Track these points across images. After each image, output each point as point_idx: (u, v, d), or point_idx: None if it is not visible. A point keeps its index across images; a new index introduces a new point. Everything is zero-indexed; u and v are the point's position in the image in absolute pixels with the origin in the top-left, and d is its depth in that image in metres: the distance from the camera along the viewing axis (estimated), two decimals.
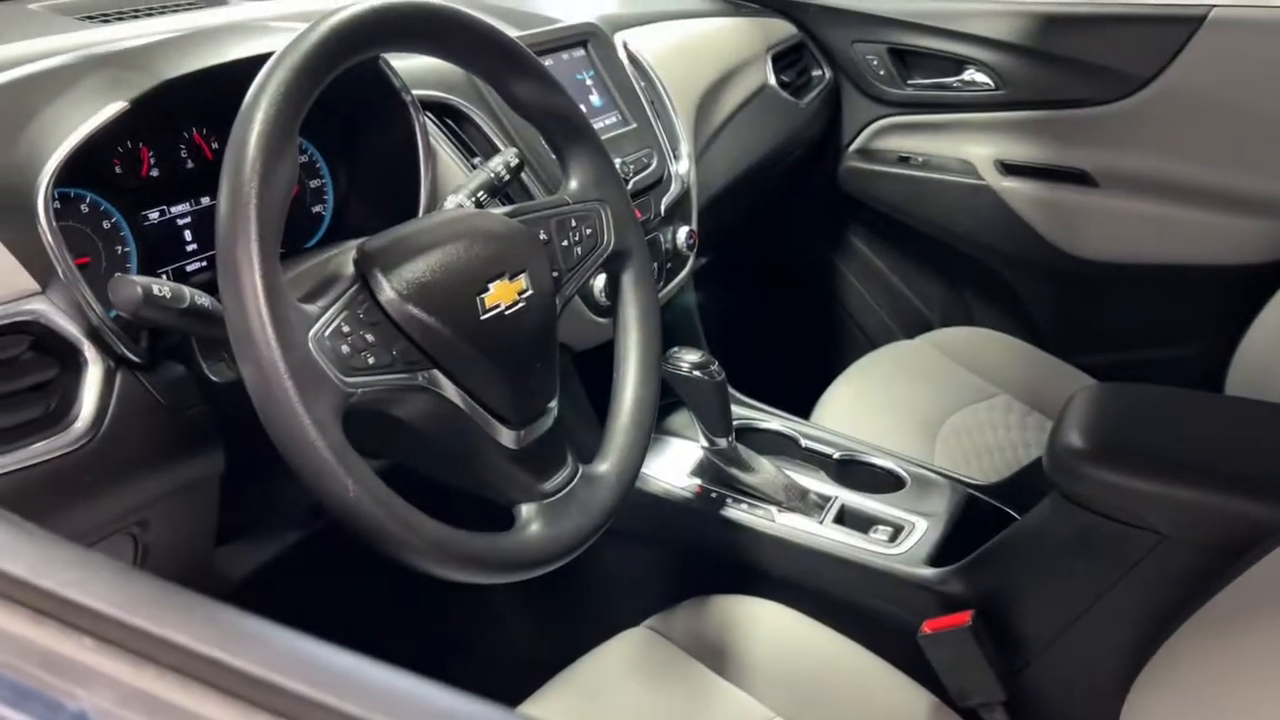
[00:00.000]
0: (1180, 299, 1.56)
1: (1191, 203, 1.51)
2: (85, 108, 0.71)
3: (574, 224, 0.85)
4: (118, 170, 0.82)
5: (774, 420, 1.24)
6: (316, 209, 0.97)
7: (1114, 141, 1.55)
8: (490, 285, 0.74)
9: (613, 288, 0.89)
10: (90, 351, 0.70)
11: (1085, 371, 1.53)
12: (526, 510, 0.76)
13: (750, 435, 1.23)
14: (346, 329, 0.66)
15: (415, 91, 0.93)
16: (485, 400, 0.73)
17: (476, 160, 1.01)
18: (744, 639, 1.01)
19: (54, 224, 0.68)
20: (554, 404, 0.79)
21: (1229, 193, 1.48)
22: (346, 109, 0.92)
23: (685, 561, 1.13)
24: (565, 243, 0.84)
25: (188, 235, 0.87)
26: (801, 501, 1.11)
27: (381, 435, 0.73)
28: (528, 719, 0.52)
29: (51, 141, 0.69)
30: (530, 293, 0.76)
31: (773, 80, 1.59)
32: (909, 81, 1.71)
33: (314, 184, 0.96)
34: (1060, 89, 1.57)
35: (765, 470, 1.12)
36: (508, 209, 0.82)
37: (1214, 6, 1.45)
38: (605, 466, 0.82)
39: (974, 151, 1.67)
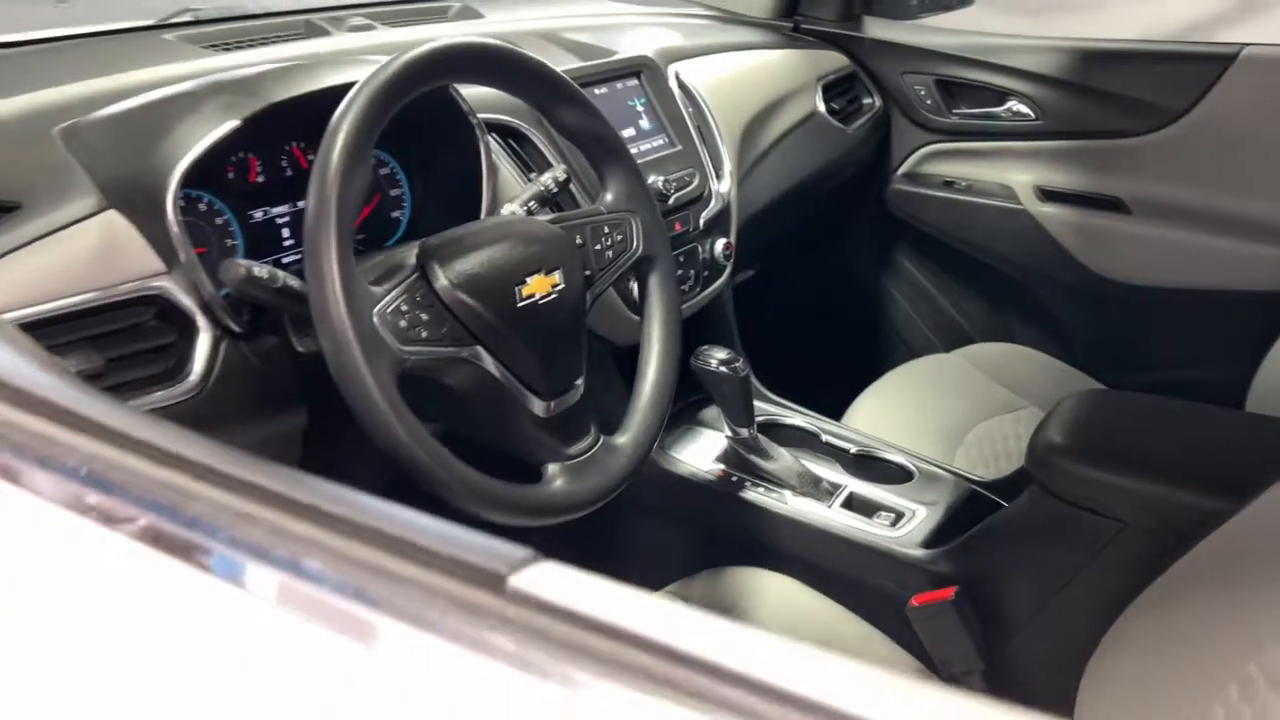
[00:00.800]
0: (1207, 321, 1.63)
1: (1220, 230, 1.58)
2: (206, 125, 0.87)
3: (607, 230, 0.99)
4: (231, 176, 0.98)
5: (798, 417, 1.36)
6: (395, 214, 1.13)
7: (1147, 171, 1.63)
8: (528, 279, 0.88)
9: (640, 288, 1.03)
10: (202, 322, 0.86)
11: (1113, 389, 1.61)
12: (552, 469, 0.90)
13: (775, 430, 1.35)
14: (405, 308, 0.81)
15: (481, 115, 1.08)
16: (519, 374, 0.88)
17: (532, 175, 1.16)
18: (753, 605, 1.13)
19: (179, 219, 0.84)
20: (580, 382, 0.93)
21: (1256, 221, 1.55)
22: (424, 130, 1.07)
23: (705, 536, 1.26)
24: (598, 246, 0.98)
25: (285, 232, 1.03)
26: (814, 488, 1.22)
27: (434, 401, 0.87)
28: None
29: (179, 152, 0.86)
30: (562, 287, 0.91)
31: (822, 107, 1.71)
32: (954, 111, 1.81)
33: (394, 193, 1.12)
34: (1097, 120, 1.66)
35: (783, 459, 1.24)
36: (551, 216, 0.97)
37: (1245, 45, 1.53)
38: (624, 439, 0.96)
39: (1014, 178, 1.77)
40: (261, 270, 0.81)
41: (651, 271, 1.02)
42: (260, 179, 1.01)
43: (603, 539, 1.10)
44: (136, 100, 0.92)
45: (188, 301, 0.86)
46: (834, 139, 1.73)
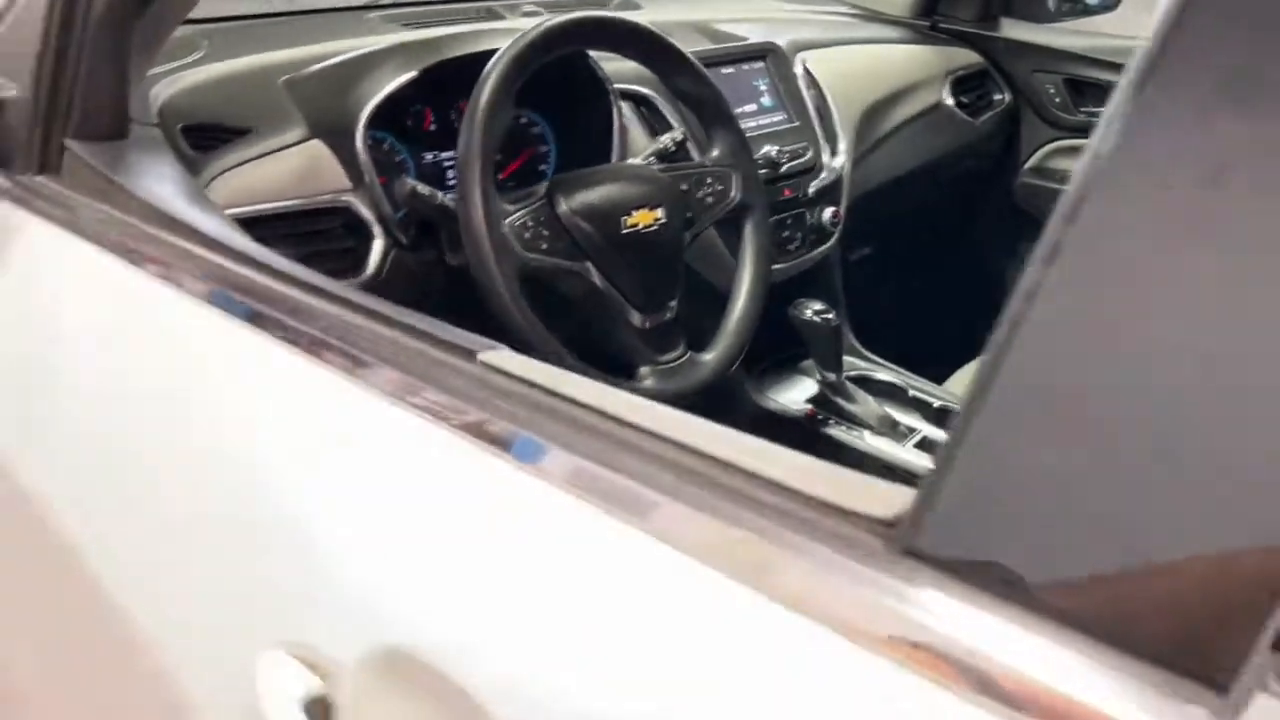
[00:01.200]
0: None
1: None
2: (391, 76, 1.11)
3: (709, 181, 1.17)
4: (409, 124, 1.22)
5: (888, 373, 1.50)
6: (542, 167, 1.34)
7: None
8: (634, 211, 1.07)
9: (737, 233, 1.20)
10: (377, 232, 1.09)
11: None
12: (644, 370, 1.08)
13: (866, 383, 1.49)
14: (530, 224, 1.01)
15: (616, 85, 1.28)
16: (621, 288, 1.06)
17: (657, 136, 1.35)
18: None
19: (367, 147, 1.08)
20: (674, 304, 1.11)
21: None
22: (568, 95, 1.28)
23: None
24: (700, 193, 1.16)
25: (449, 173, 1.26)
26: (891, 430, 1.36)
27: (550, 307, 1.08)
28: None
29: (369, 95, 1.09)
30: (664, 221, 1.09)
31: (949, 100, 1.83)
32: (1082, 109, 1.89)
33: (542, 149, 1.34)
34: None
35: (866, 403, 1.38)
36: (662, 166, 1.16)
37: None
38: (709, 355, 1.14)
39: None
40: (425, 189, 1.04)
41: (747, 219, 1.20)
42: (432, 127, 1.24)
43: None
44: (338, 58, 1.16)
45: (367, 214, 1.09)
46: (959, 130, 1.84)
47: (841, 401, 1.38)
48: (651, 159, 1.24)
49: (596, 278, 1.05)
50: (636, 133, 1.34)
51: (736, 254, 1.20)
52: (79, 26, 0.89)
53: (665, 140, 1.25)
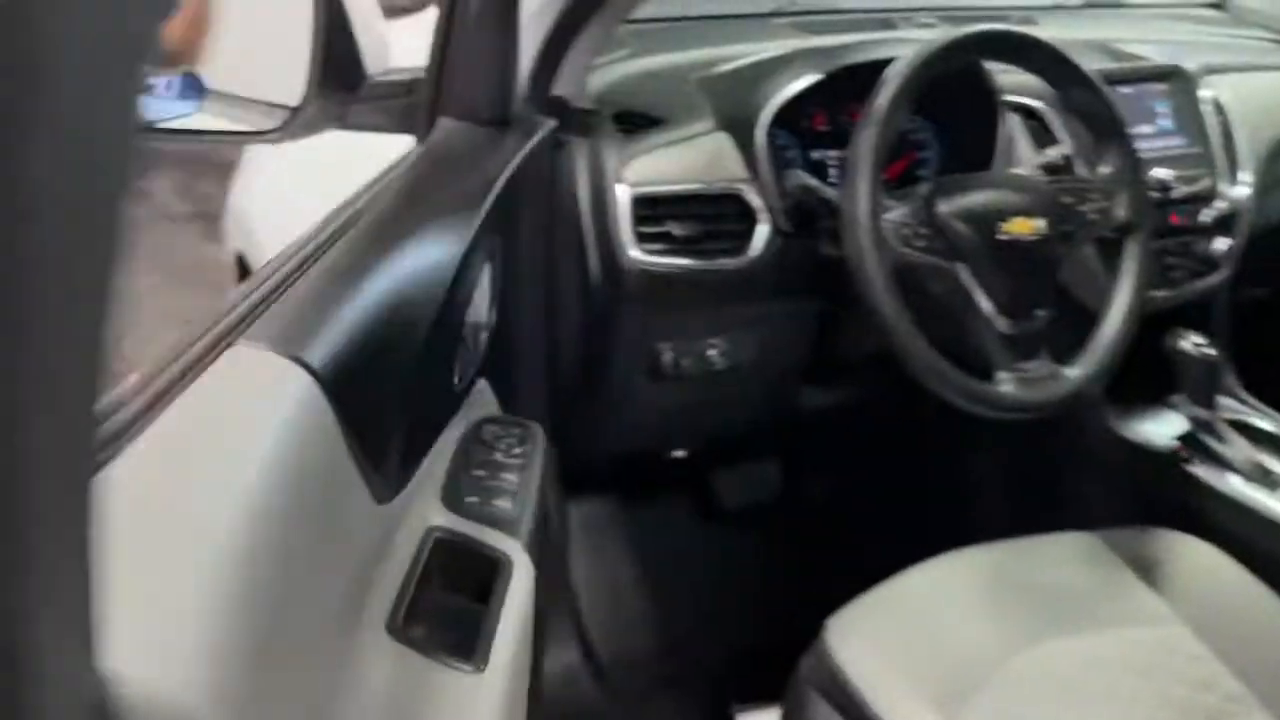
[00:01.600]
0: None
1: None
2: (795, 78, 1.21)
3: (1094, 197, 1.17)
4: (803, 123, 1.31)
5: (1271, 421, 1.40)
6: (922, 173, 1.39)
7: None
8: (1013, 218, 1.10)
9: (1115, 252, 1.19)
10: (763, 219, 1.20)
11: None
12: (1003, 374, 1.11)
13: (1244, 429, 1.40)
14: (908, 222, 1.07)
15: (1006, 96, 1.30)
16: (990, 291, 1.10)
17: (1042, 151, 1.36)
18: (1179, 567, 1.23)
19: (766, 144, 1.18)
20: (1042, 313, 1.12)
21: None
22: (957, 104, 1.32)
23: (1142, 496, 1.36)
24: (1083, 207, 1.16)
25: (832, 172, 1.34)
26: (1263, 478, 1.28)
27: (918, 305, 1.13)
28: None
29: (773, 95, 1.20)
30: (1043, 232, 1.11)
31: None
32: None
33: (924, 154, 1.39)
34: None
35: (1239, 447, 1.31)
36: (1048, 179, 1.17)
37: None
38: (1073, 371, 1.14)
39: None
40: (814, 181, 1.13)
41: (1130, 239, 1.18)
42: (823, 128, 1.33)
43: (1033, 468, 1.26)
44: (748, 59, 1.28)
45: (757, 202, 1.20)
46: None
47: (1212, 442, 1.32)
48: (1038, 171, 1.26)
49: (966, 279, 1.09)
50: (1022, 145, 1.35)
51: (1112, 273, 1.18)
52: (459, 24, 1.05)
53: (1053, 154, 1.26)
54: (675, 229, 1.16)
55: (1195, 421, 1.33)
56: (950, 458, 1.62)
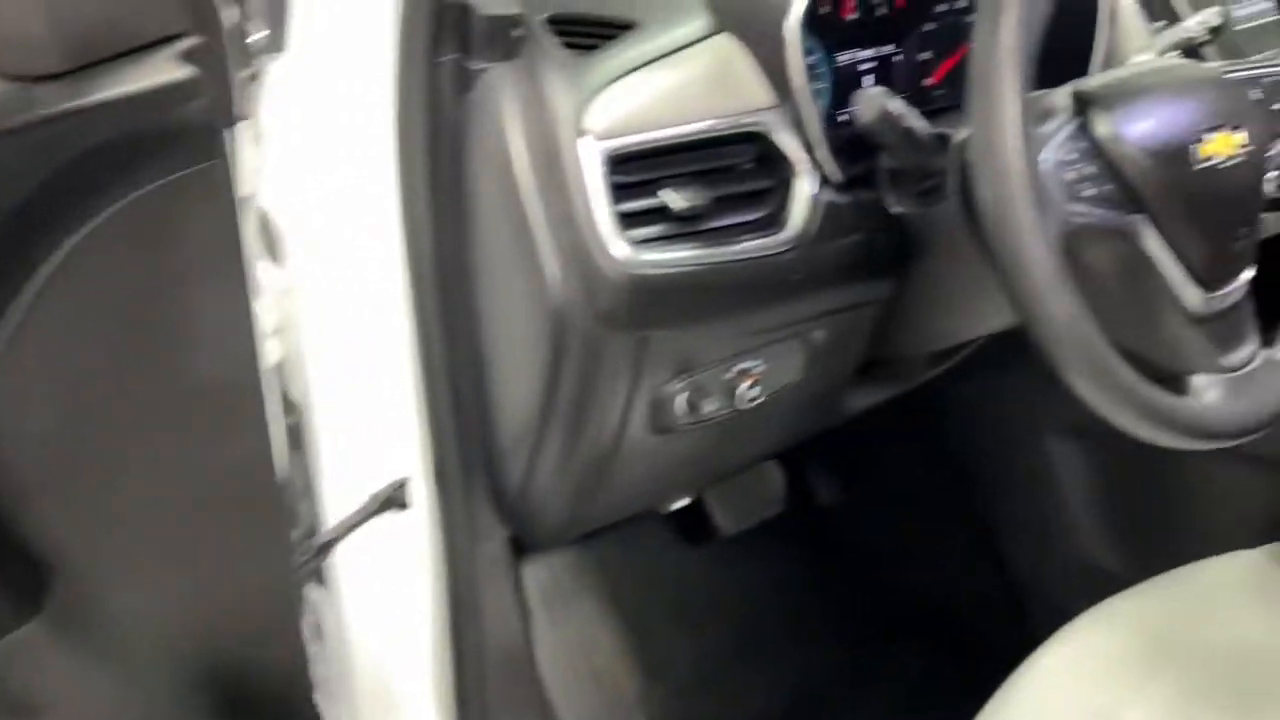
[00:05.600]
0: None
1: None
2: None
3: None
4: (824, 10, 0.88)
5: None
6: None
7: None
8: (1207, 136, 0.70)
9: None
10: (804, 166, 0.77)
11: None
12: (1202, 380, 0.72)
13: None
14: (1071, 157, 0.66)
15: None
16: (1184, 253, 0.70)
17: (1157, 25, 0.96)
18: None
19: (802, 40, 0.75)
20: (1249, 274, 0.74)
21: None
22: None
23: None
24: (1277, 106, 0.77)
25: (866, 81, 0.91)
26: None
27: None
28: None
29: None
30: (1251, 148, 0.71)
31: None
32: None
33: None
34: None
35: None
36: (1219, 64, 0.77)
37: None
38: None
39: None
40: (897, 105, 0.70)
41: None
42: (854, 15, 0.89)
43: (1172, 473, 0.92)
44: None
45: (791, 143, 0.77)
46: None
47: None
48: (1171, 55, 0.85)
49: (1149, 238, 0.69)
50: (1130, 21, 0.95)
51: None
52: None
53: (1192, 27, 0.86)
54: (673, 199, 0.72)
55: None
56: (1013, 450, 1.24)
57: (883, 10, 0.91)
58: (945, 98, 0.95)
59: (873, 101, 0.70)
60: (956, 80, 0.94)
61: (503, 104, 0.73)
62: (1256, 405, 0.72)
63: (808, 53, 0.87)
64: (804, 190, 0.77)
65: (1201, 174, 0.69)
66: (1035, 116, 0.68)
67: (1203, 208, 0.70)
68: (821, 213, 0.77)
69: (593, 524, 0.93)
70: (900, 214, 0.80)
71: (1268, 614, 0.90)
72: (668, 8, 0.78)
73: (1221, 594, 0.92)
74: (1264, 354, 0.74)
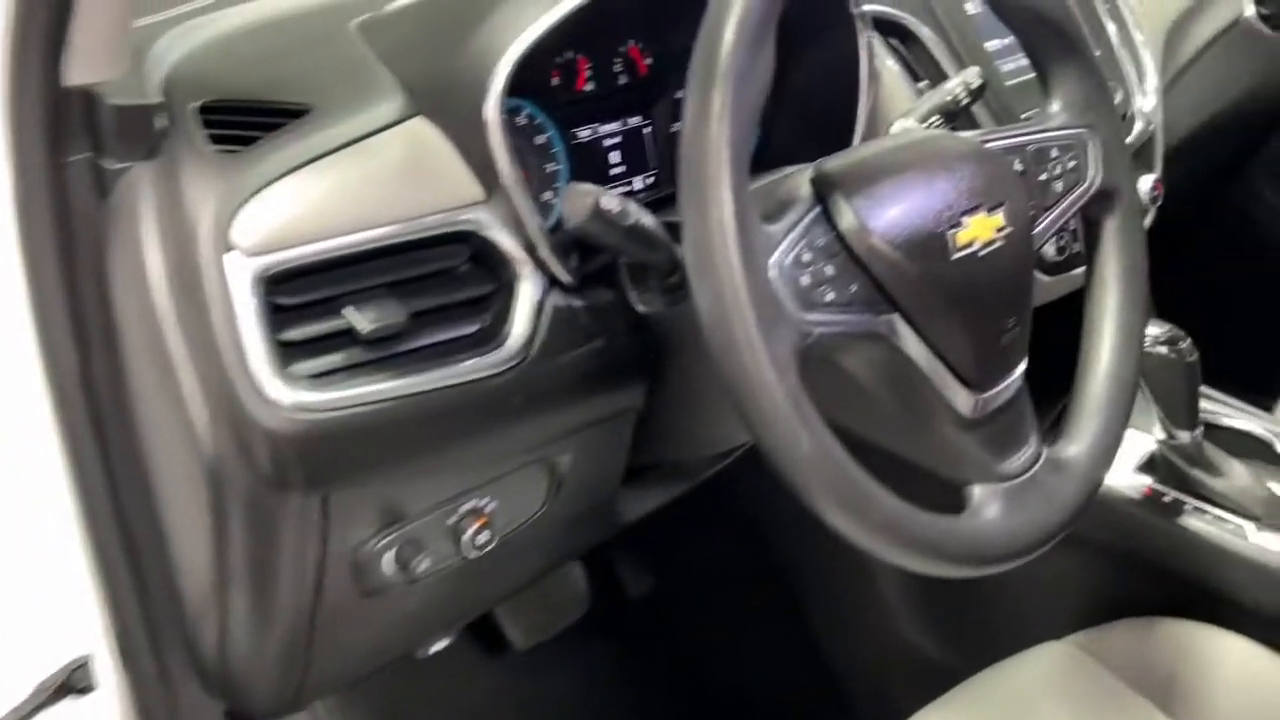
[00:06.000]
0: None
1: None
2: (540, 4, 0.66)
3: (1055, 154, 0.71)
4: (555, 82, 0.77)
5: (1240, 416, 1.03)
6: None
7: None
8: (964, 219, 0.62)
9: (1090, 235, 0.74)
10: (526, 268, 0.65)
11: None
12: (981, 492, 0.63)
13: (1210, 432, 1.02)
14: (806, 257, 0.57)
15: (865, 6, 0.82)
16: (947, 355, 0.62)
17: (921, 85, 0.89)
18: (1198, 673, 0.84)
19: (504, 127, 0.64)
20: (1022, 368, 0.66)
21: None
22: (789, 19, 0.82)
23: (1124, 573, 0.96)
24: (1043, 176, 0.70)
25: (614, 157, 0.82)
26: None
27: (820, 390, 0.63)
28: None
29: (506, 38, 0.64)
30: (1010, 230, 0.63)
31: (1250, 10, 1.32)
32: None
33: None
34: None
35: (1237, 475, 0.92)
36: (978, 133, 0.70)
37: None
38: (1075, 450, 0.68)
39: None
40: (611, 202, 0.59)
41: (1109, 212, 0.73)
42: (590, 87, 0.79)
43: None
44: None
45: (508, 241, 0.65)
46: (1267, 53, 1.34)
47: (1200, 474, 0.92)
48: (934, 119, 0.78)
49: (908, 340, 0.61)
50: (892, 80, 0.88)
51: (1094, 274, 0.73)
52: None
53: (954, 89, 0.79)
54: (359, 319, 0.60)
55: (1171, 448, 0.93)
56: (824, 536, 1.16)
57: (624, 79, 0.81)
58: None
59: (579, 200, 0.59)
60: None
61: (140, 212, 0.60)
62: (1039, 517, 0.64)
63: (537, 131, 0.77)
64: (528, 295, 0.66)
65: (959, 264, 0.61)
66: (769, 209, 0.59)
67: (964, 302, 0.61)
68: (550, 320, 0.66)
69: (326, 687, 0.79)
70: (648, 313, 0.70)
71: (1079, 714, 0.84)
72: (350, 87, 0.66)
73: (1033, 696, 0.85)
74: (1046, 454, 0.67)
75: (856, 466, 0.55)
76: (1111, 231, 0.73)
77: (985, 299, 0.62)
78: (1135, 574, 0.95)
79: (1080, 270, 0.97)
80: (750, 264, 0.52)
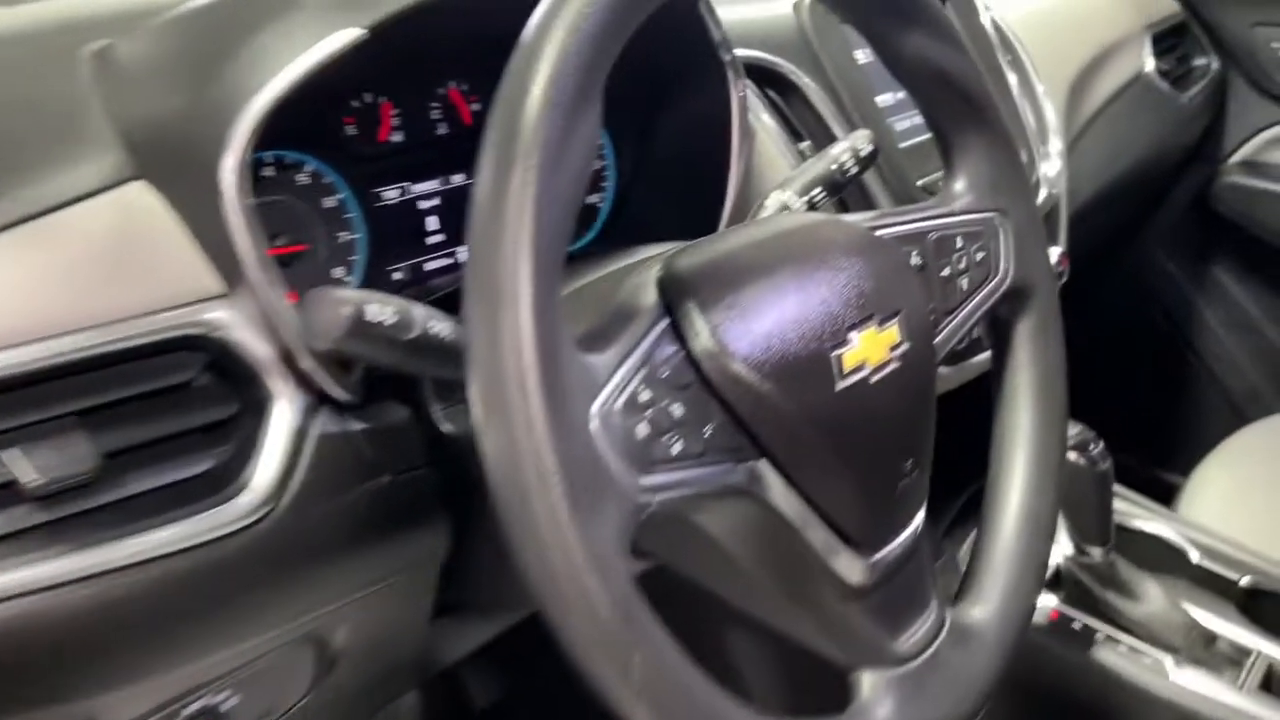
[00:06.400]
0: None
1: None
2: (309, 35, 0.50)
3: (959, 244, 0.58)
4: (350, 131, 0.61)
5: (1150, 518, 0.92)
6: (592, 199, 0.74)
7: None
8: (851, 335, 0.48)
9: (999, 337, 0.62)
10: (281, 383, 0.49)
11: None
12: (872, 682, 0.50)
13: (1118, 536, 0.92)
14: (645, 396, 0.42)
15: (737, 51, 0.68)
16: (829, 510, 0.48)
17: (803, 146, 0.76)
18: None
19: (245, 194, 0.47)
20: (920, 519, 0.53)
21: None
22: (645, 68, 0.68)
23: (1031, 711, 0.84)
24: (946, 271, 0.57)
25: (432, 223, 0.66)
26: (1206, 651, 0.79)
27: (668, 544, 0.48)
28: None
29: (257, 78, 0.48)
30: (906, 347, 0.50)
31: (1150, 66, 1.25)
32: None
33: (593, 165, 0.74)
34: None
35: (1153, 599, 0.81)
36: (867, 216, 0.56)
37: None
38: (983, 612, 0.55)
39: None
40: (381, 311, 0.44)
41: (1023, 313, 0.61)
42: (396, 138, 0.63)
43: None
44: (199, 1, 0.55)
45: (257, 346, 0.49)
46: (1165, 110, 1.27)
47: (1113, 598, 0.81)
48: (816, 192, 0.65)
49: (778, 494, 0.46)
50: (769, 140, 0.74)
51: (1003, 389, 0.61)
52: None
53: (840, 155, 0.65)
54: (25, 468, 0.43)
55: (1081, 566, 0.81)
56: None
57: (444, 129, 0.66)
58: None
59: (329, 311, 0.43)
60: None
61: None
62: (944, 710, 0.51)
63: (325, 192, 0.61)
64: (283, 420, 0.49)
65: (846, 396, 0.47)
66: (594, 327, 0.44)
67: (850, 443, 0.48)
68: (315, 451, 0.50)
69: None
70: (455, 434, 0.54)
71: None
72: (52, 138, 0.49)
73: None
74: (950, 620, 0.54)
75: (704, 684, 0.41)
76: (1025, 335, 0.61)
77: (877, 438, 0.49)
78: (1043, 711, 0.83)
79: (984, 355, 0.85)
80: (559, 416, 0.37)
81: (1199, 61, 1.37)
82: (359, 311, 0.43)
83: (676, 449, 0.42)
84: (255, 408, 0.49)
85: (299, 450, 0.49)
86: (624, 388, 0.41)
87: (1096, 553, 0.80)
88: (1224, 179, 1.42)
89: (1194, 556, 0.88)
